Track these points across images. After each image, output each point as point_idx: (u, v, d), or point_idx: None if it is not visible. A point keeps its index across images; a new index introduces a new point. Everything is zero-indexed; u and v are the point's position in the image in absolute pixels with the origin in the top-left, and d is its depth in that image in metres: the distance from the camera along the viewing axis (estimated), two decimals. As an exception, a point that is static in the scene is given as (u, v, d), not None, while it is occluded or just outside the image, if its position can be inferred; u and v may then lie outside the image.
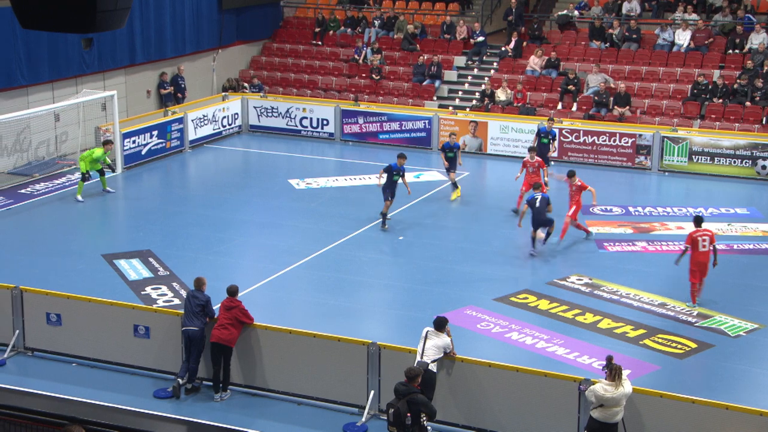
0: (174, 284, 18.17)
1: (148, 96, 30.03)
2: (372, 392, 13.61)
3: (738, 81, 28.12)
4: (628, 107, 28.50)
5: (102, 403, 13.76)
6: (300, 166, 27.36)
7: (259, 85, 32.17)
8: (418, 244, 20.73)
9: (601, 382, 12.17)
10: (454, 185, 23.59)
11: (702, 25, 30.57)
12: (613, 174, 26.36)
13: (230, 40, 33.26)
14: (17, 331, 15.34)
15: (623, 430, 12.22)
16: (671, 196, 25.15)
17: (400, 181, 21.21)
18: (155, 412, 13.70)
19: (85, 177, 23.24)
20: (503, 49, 31.92)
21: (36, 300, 15.27)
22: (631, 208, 23.28)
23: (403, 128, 28.73)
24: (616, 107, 28.51)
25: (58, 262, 19.35)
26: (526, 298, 17.97)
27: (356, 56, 32.84)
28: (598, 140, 26.96)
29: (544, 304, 17.64)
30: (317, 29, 34.27)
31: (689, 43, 30.20)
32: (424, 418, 11.75)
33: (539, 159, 22.42)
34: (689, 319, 17.13)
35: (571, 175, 20.73)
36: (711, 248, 17.34)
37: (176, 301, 17.17)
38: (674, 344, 16.16)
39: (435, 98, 31.09)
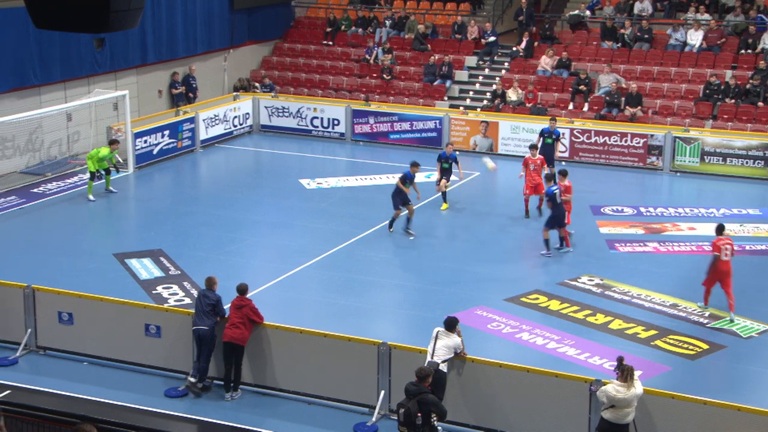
0: (185, 283, 18.21)
1: (159, 96, 30.10)
2: (382, 392, 13.62)
3: (750, 81, 28.01)
4: (639, 107, 28.42)
5: (113, 402, 13.85)
6: (311, 166, 27.38)
7: (270, 85, 32.21)
8: (429, 244, 20.73)
9: (613, 382, 12.14)
10: (444, 196, 22.95)
11: (714, 25, 30.46)
12: (625, 174, 26.29)
13: (241, 40, 33.30)
14: (29, 330, 15.40)
15: (634, 431, 12.20)
16: (683, 196, 25.07)
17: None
18: (166, 411, 13.76)
19: (94, 176, 23.32)
20: (514, 49, 31.87)
21: (48, 299, 15.33)
22: (642, 209, 23.22)
23: (413, 128, 28.72)
24: (627, 107, 28.43)
25: (70, 261, 19.41)
26: (536, 298, 17.94)
27: (367, 56, 32.83)
28: (610, 140, 26.89)
29: (554, 305, 17.62)
30: (328, 29, 34.28)
31: (701, 43, 30.08)
32: (435, 418, 11.75)
33: (541, 157, 22.39)
34: (701, 320, 17.08)
35: (563, 173, 20.77)
36: (731, 257, 17.11)
37: (187, 301, 17.21)
38: (686, 345, 16.12)
39: (446, 98, 31.06)
